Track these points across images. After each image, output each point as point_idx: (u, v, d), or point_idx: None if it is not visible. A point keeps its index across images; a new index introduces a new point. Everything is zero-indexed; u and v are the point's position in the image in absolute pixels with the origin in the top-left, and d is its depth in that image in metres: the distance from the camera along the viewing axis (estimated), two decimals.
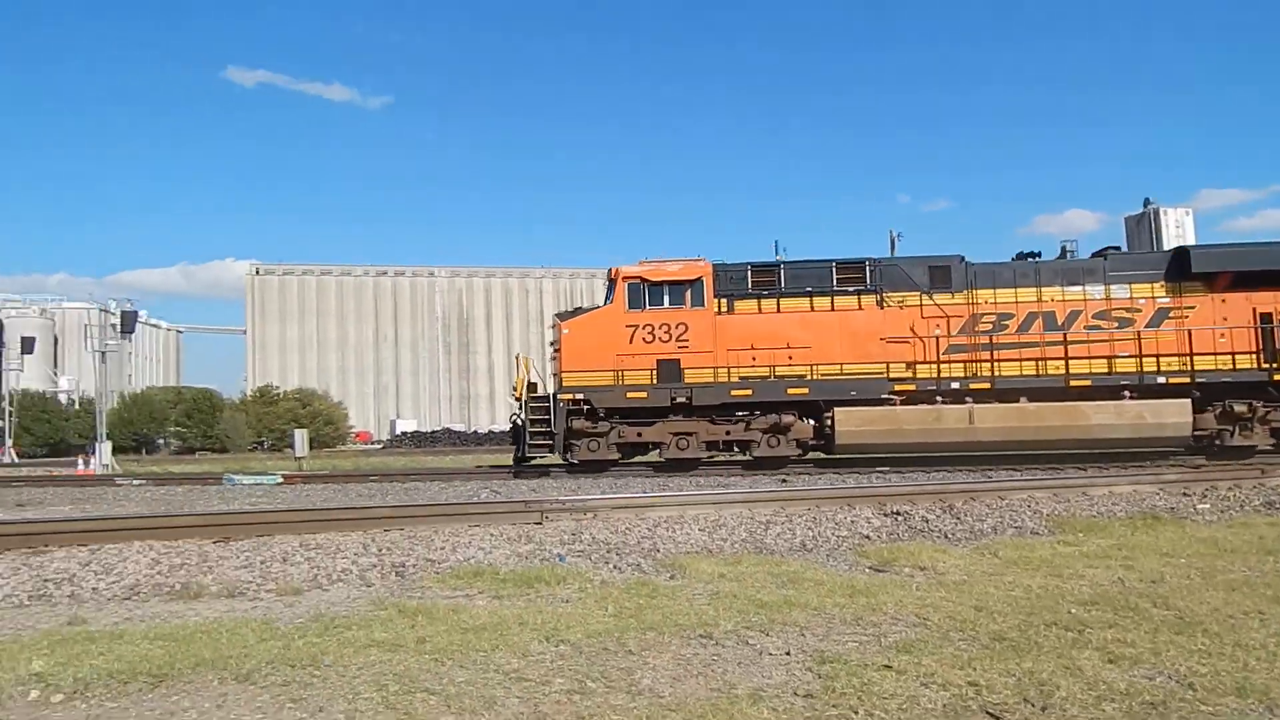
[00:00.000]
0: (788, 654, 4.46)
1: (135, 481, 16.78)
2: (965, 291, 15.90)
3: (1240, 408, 15.54)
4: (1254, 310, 15.76)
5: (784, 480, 14.04)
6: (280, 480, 16.36)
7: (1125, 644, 4.46)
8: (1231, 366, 15.62)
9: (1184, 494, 10.53)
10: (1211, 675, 3.94)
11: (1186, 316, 15.83)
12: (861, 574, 6.64)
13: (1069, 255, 17.08)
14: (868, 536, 8.25)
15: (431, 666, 4.31)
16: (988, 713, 3.56)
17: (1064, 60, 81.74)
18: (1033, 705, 3.61)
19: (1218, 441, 15.76)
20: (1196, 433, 15.50)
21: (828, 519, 8.74)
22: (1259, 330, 15.65)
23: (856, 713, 3.57)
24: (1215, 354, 15.65)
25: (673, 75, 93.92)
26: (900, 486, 11.41)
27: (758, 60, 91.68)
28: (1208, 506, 9.84)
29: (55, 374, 70.62)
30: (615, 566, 6.93)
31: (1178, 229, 32.02)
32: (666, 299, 15.77)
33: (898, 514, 9.02)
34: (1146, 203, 31.63)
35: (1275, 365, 15.49)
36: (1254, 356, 15.62)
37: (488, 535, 7.97)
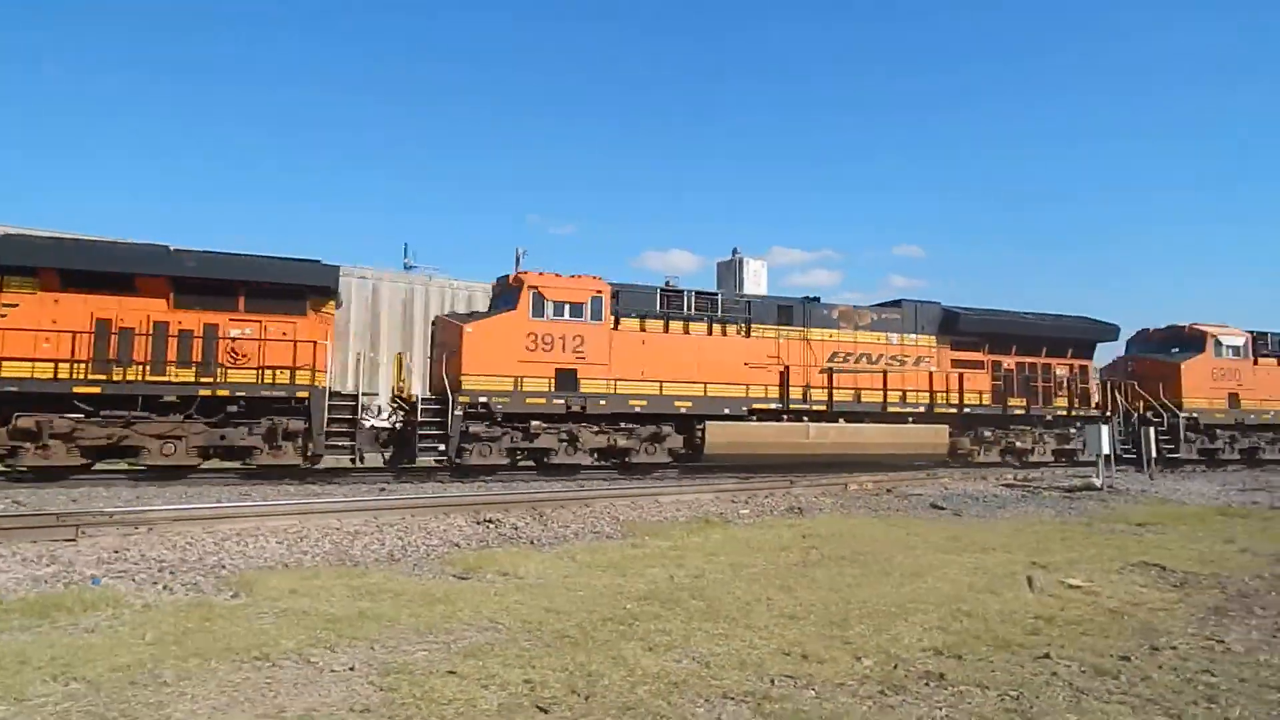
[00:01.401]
0: (351, 669, 4.29)
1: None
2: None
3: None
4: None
5: (382, 489, 13.61)
6: None
7: (664, 633, 5.05)
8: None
9: (732, 501, 12.34)
10: (724, 654, 4.63)
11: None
12: (445, 582, 6.65)
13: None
14: (458, 544, 8.32)
15: None
16: (538, 707, 3.77)
17: (667, 129, 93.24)
18: (579, 695, 3.91)
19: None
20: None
21: (420, 528, 8.65)
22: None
23: None
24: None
25: (316, 81, 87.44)
26: (497, 495, 11.74)
27: (390, 75, 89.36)
28: (748, 511, 11.64)
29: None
30: (166, 587, 6.08)
31: (755, 276, 37.81)
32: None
33: (490, 521, 9.24)
34: (734, 252, 37.05)
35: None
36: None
37: None
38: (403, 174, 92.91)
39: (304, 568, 7.04)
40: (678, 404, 17.12)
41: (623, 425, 16.85)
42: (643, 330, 17.31)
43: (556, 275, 16.71)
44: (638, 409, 16.81)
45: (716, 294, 18.55)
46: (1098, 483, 15.58)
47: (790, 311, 18.89)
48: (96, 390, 13.22)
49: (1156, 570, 7.60)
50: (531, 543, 8.66)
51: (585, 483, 15.24)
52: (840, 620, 5.44)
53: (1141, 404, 21.98)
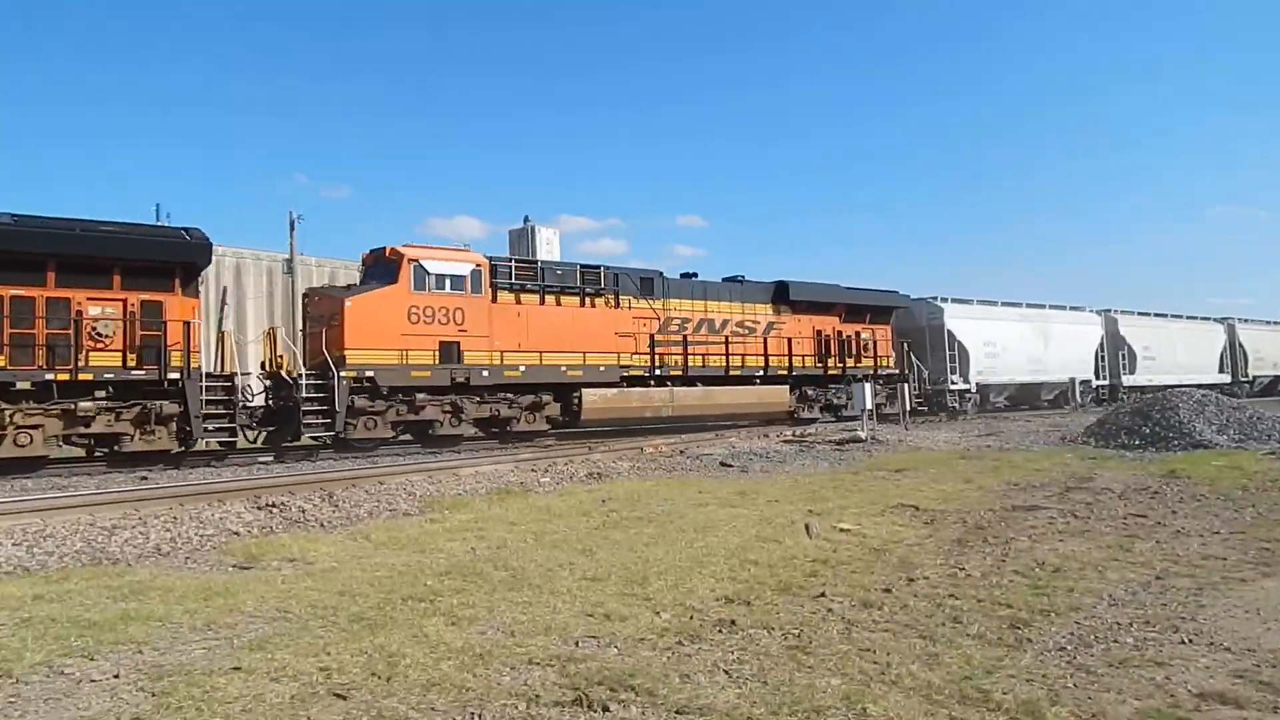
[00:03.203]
0: (116, 677, 3.87)
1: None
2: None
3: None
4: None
5: (144, 478, 12.30)
6: None
7: (468, 606, 5.00)
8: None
9: (532, 470, 12.37)
10: (529, 621, 4.67)
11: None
12: (224, 574, 6.16)
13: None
14: (237, 533, 7.72)
15: None
16: (335, 694, 3.60)
17: (445, 87, 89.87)
18: (379, 678, 3.79)
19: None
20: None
21: (191, 518, 7.92)
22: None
23: None
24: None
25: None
26: (280, 477, 11.02)
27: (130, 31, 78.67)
28: (548, 480, 11.74)
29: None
30: None
31: (548, 245, 37.58)
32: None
33: (274, 506, 8.65)
34: (526, 220, 36.52)
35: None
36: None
37: None
38: (135, 131, 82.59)
39: (49, 570, 6.24)
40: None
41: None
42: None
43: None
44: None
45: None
46: (863, 435, 17.23)
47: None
48: None
49: (911, 510, 8.57)
50: (321, 525, 8.23)
51: (379, 460, 14.65)
52: (640, 579, 5.65)
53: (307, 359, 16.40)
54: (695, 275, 21.77)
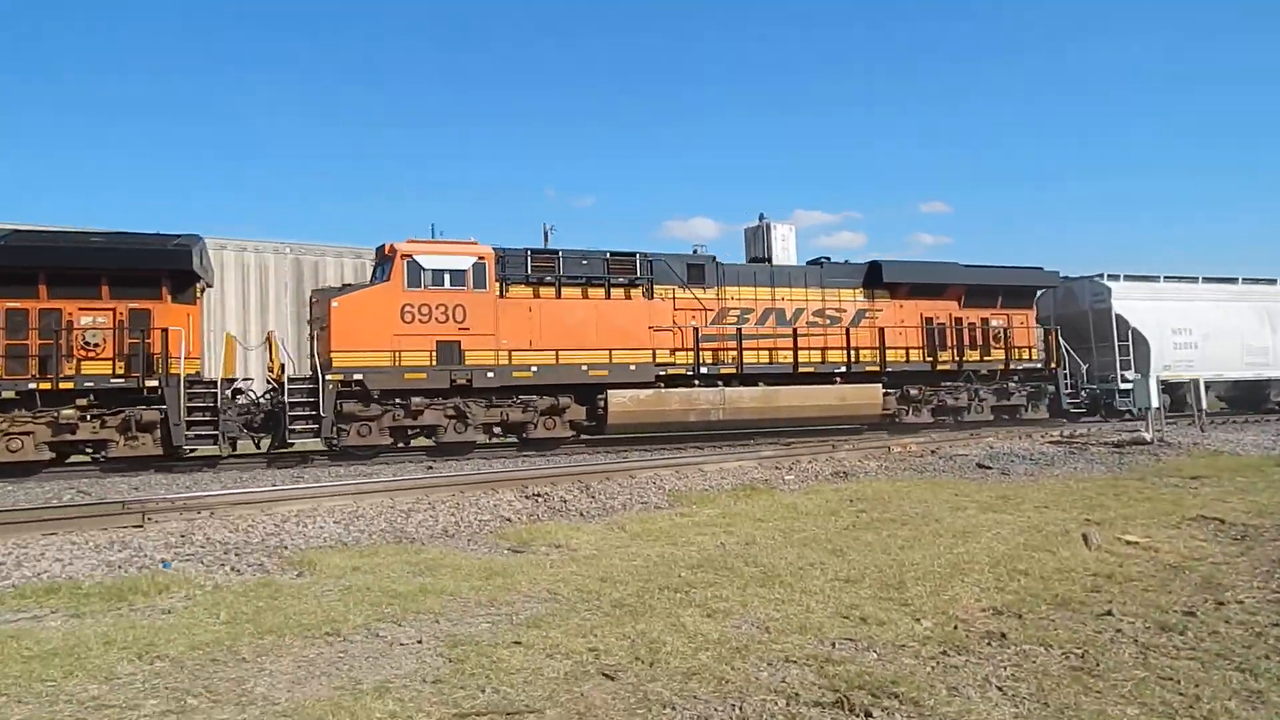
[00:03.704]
0: (420, 642, 4.40)
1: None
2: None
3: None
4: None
5: (430, 467, 13.85)
6: None
7: (721, 599, 5.10)
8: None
9: (776, 468, 12.34)
10: (783, 619, 4.67)
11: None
12: (500, 556, 6.78)
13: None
14: (509, 519, 8.45)
15: None
16: (604, 674, 3.84)
17: (685, 90, 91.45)
18: (643, 662, 3.98)
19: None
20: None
21: (471, 504, 8.79)
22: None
23: (484, 691, 3.64)
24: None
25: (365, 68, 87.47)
26: (542, 469, 11.88)
27: (397, 55, 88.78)
28: (793, 477, 11.65)
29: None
30: (233, 568, 6.28)
31: (783, 242, 37.12)
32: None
33: (538, 495, 9.37)
34: (761, 217, 36.47)
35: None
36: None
37: (68, 544, 6.76)
38: (417, 155, 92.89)
39: (362, 546, 7.21)
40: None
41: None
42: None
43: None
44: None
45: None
46: (1148, 436, 15.30)
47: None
48: None
49: (1215, 524, 7.48)
50: (581, 515, 8.78)
51: (628, 454, 15.34)
52: (895, 583, 5.44)
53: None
54: (764, 259, 19.21)
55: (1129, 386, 20.76)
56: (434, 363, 15.14)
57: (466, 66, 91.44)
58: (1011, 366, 20.12)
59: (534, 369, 15.84)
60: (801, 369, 18.04)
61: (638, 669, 3.89)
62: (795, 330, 18.13)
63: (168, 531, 7.34)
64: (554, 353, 16.02)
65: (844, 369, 18.40)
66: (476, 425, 15.64)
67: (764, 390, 17.57)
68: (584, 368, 16.21)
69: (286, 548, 7.02)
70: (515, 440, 16.41)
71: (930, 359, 19.28)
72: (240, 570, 6.25)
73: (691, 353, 17.09)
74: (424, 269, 15.23)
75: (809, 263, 19.62)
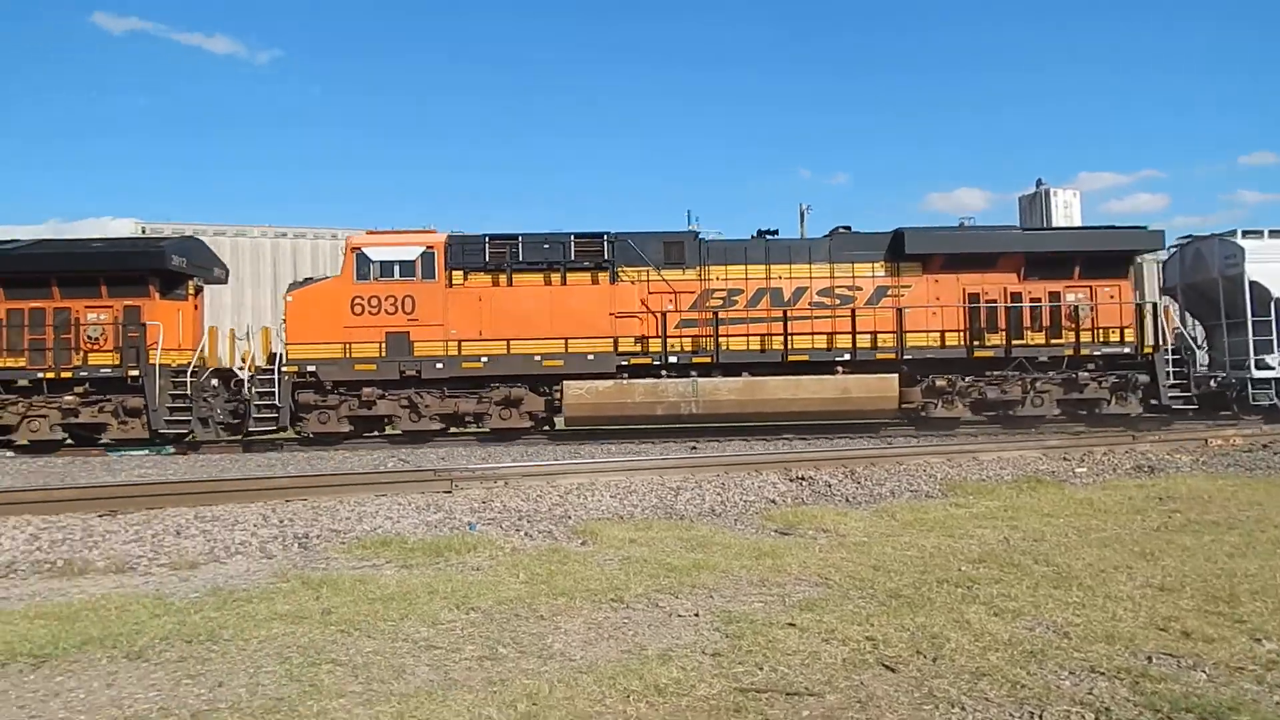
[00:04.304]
0: (697, 615, 4.57)
1: (7, 454, 15.64)
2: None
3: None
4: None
5: (693, 448, 14.28)
6: (173, 451, 15.56)
7: (1009, 598, 4.75)
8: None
9: (1064, 459, 11.23)
10: (1084, 625, 4.25)
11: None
12: (768, 537, 6.84)
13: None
14: (774, 501, 8.50)
15: (338, 638, 4.23)
16: (884, 664, 3.74)
17: (952, 47, 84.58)
18: (925, 657, 3.82)
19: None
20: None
21: (736, 484, 8.95)
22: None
23: (761, 669, 3.70)
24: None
25: (584, 50, 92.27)
26: (806, 453, 11.78)
27: (673, 37, 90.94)
28: (1085, 470, 10.53)
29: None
30: (526, 534, 6.93)
31: (1065, 209, 33.12)
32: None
33: (802, 479, 9.32)
34: (1039, 183, 32.70)
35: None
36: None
37: (395, 504, 7.84)
38: (673, 141, 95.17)
39: (636, 519, 7.62)
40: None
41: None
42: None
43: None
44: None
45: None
46: None
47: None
48: None
49: None
50: (847, 500, 8.60)
51: (893, 440, 14.76)
52: (1225, 595, 4.73)
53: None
54: (775, 233, 16.70)
55: (1270, 374, 16.43)
56: (383, 354, 15.30)
57: (726, 44, 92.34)
58: (1084, 352, 16.29)
59: (484, 360, 15.53)
60: (793, 357, 15.95)
61: (920, 663, 3.74)
62: (786, 313, 16.00)
63: (471, 498, 8.26)
64: (505, 343, 15.61)
65: (848, 356, 16.05)
66: (430, 416, 15.65)
67: (746, 381, 15.78)
68: (537, 358, 15.60)
69: (570, 518, 7.61)
70: (491, 435, 16.07)
71: (975, 342, 16.23)
72: (532, 536, 6.88)
73: (660, 340, 15.82)
74: (372, 261, 15.44)
75: (829, 233, 17.22)
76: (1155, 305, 17.09)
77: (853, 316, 16.05)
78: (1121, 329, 16.38)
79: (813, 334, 16.12)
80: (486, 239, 15.92)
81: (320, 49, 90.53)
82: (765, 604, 4.79)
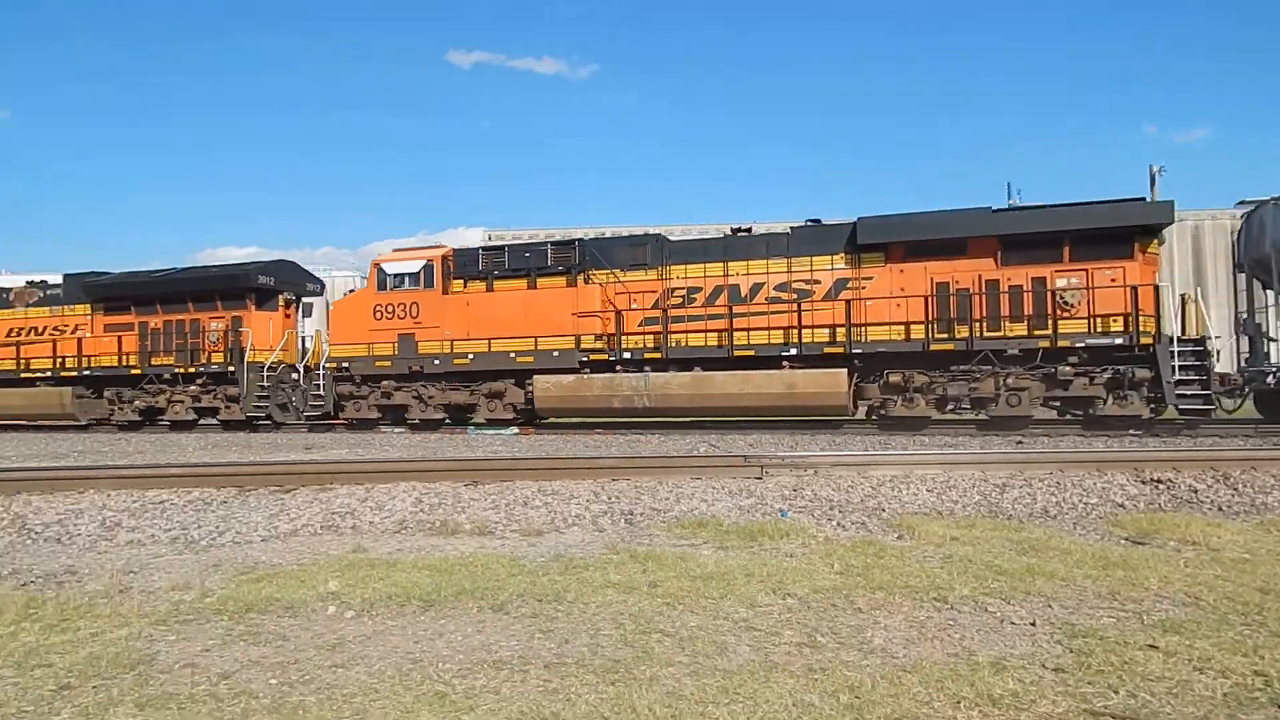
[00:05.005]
0: (1033, 624, 4.20)
1: (397, 430, 18.91)
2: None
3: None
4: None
5: (1019, 442, 13.09)
6: (516, 431, 17.74)
7: None
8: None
9: None
10: None
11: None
12: (1116, 545, 6.06)
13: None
14: (1121, 505, 7.51)
15: (664, 610, 4.51)
16: (1277, 705, 3.15)
17: None
18: None
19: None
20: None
21: (1073, 484, 8.04)
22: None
23: (1117, 692, 3.30)
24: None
25: (884, 21, 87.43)
26: (1160, 452, 10.26)
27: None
28: None
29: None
30: (839, 524, 6.84)
31: None
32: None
33: (1158, 482, 8.12)
34: None
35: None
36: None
37: (709, 488, 8.14)
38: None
39: (956, 516, 7.18)
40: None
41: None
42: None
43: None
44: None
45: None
46: None
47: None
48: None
49: None
50: (1219, 509, 7.35)
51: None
52: None
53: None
54: (749, 230, 17.30)
55: None
56: (395, 353, 18.72)
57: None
58: (1063, 344, 14.58)
59: (470, 356, 18.17)
60: (738, 353, 16.36)
61: None
62: (731, 309, 16.49)
63: (781, 485, 8.33)
64: (487, 341, 18.00)
65: (794, 351, 16.01)
66: (435, 406, 18.71)
67: (694, 376, 16.58)
68: (512, 355, 17.85)
69: (884, 510, 7.36)
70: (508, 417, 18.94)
71: (942, 335, 15.20)
72: (845, 526, 6.77)
73: (615, 337, 17.20)
74: (388, 274, 18.96)
75: (803, 225, 17.09)
76: (1158, 288, 14.76)
77: (799, 311, 16.17)
78: (1125, 316, 14.57)
79: (769, 329, 16.43)
80: (481, 250, 18.90)
81: (634, 60, 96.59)
82: (1117, 620, 4.26)
